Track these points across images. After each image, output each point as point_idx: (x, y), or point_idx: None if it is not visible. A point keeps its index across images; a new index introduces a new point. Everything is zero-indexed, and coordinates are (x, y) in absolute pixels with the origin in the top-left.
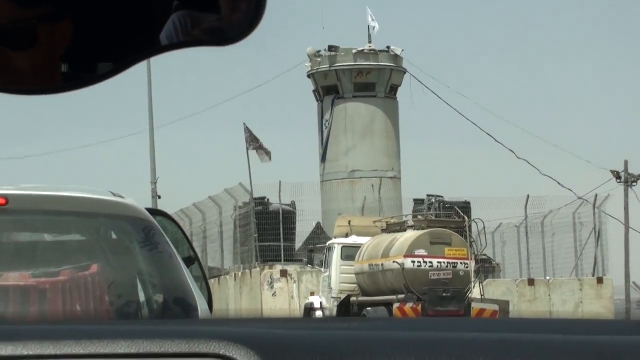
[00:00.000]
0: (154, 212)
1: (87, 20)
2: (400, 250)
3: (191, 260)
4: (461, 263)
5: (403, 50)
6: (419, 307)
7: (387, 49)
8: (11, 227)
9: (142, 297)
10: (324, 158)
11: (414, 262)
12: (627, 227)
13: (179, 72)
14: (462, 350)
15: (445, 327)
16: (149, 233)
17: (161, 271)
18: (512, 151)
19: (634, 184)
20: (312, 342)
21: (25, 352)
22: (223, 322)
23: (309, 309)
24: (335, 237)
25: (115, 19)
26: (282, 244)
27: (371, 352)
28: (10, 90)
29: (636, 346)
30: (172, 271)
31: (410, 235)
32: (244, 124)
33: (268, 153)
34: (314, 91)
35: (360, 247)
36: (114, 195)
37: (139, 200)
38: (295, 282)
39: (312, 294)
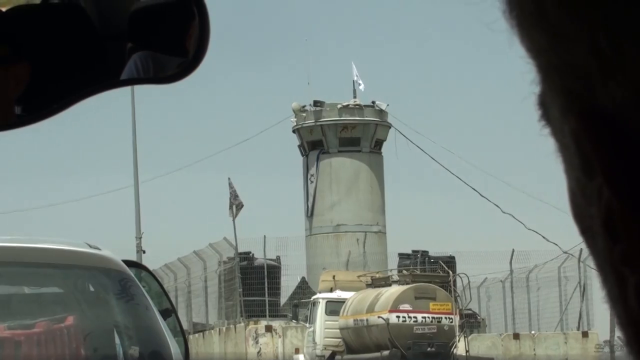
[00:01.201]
0: (131, 264)
1: (39, 61)
2: (385, 305)
3: (168, 312)
4: (446, 318)
5: (388, 105)
6: None
7: (372, 104)
8: None
9: (119, 351)
10: (309, 212)
11: (398, 316)
12: None
13: (164, 126)
14: None
15: None
16: (126, 285)
17: (137, 323)
18: (497, 205)
19: None
20: None
21: None
22: None
23: None
24: (319, 292)
25: (63, 59)
26: (266, 299)
27: None
28: None
29: None
30: (149, 323)
31: (395, 290)
32: (229, 178)
33: (239, 206)
34: (299, 146)
35: (344, 302)
36: (91, 247)
37: (124, 255)
38: (280, 337)
39: (297, 350)
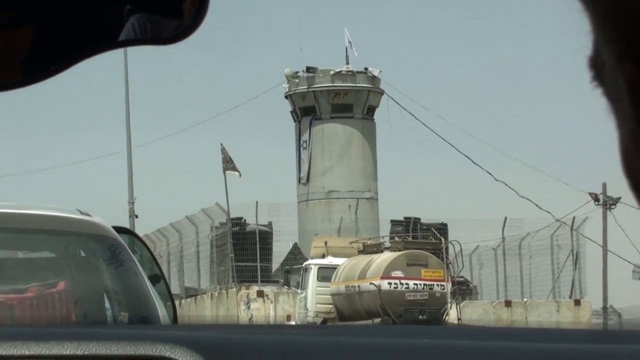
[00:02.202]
0: (121, 230)
1: (41, 23)
2: (377, 272)
3: (157, 278)
4: (437, 285)
5: (380, 72)
6: None
7: (364, 70)
8: None
9: (108, 314)
10: (301, 179)
11: (390, 283)
12: (605, 250)
13: (157, 92)
14: (412, 356)
15: (400, 334)
16: (115, 251)
17: (127, 289)
18: (490, 173)
19: (612, 206)
20: (260, 346)
21: None
22: (175, 327)
23: None
24: (311, 258)
25: (63, 22)
26: (258, 265)
27: (317, 355)
28: None
29: (583, 354)
30: (138, 289)
31: (386, 256)
32: (221, 144)
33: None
34: (292, 112)
35: (336, 268)
36: (82, 213)
37: (116, 220)
38: (271, 303)
39: (288, 317)
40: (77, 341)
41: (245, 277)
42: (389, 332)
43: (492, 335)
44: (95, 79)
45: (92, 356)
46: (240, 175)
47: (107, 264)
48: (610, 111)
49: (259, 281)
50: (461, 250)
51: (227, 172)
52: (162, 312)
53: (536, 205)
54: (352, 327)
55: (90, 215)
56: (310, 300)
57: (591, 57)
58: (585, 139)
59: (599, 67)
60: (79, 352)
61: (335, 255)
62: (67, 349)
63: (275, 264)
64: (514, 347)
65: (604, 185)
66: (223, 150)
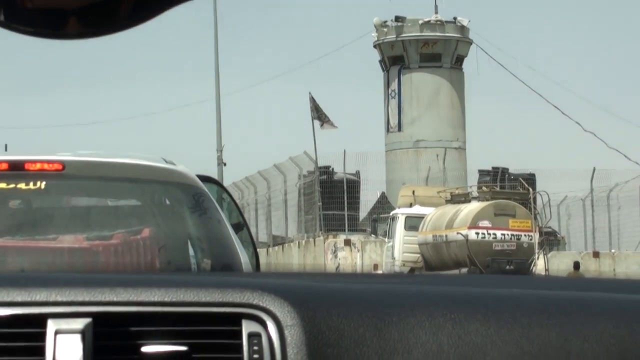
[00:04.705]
0: (205, 179)
1: None
2: (464, 222)
3: (240, 226)
4: (525, 235)
5: (469, 21)
6: None
7: (453, 20)
8: (67, 191)
9: (192, 261)
10: (390, 128)
11: (477, 233)
12: None
13: (246, 41)
14: (499, 305)
15: (487, 283)
16: (199, 199)
17: (210, 236)
18: (579, 123)
19: None
20: (347, 295)
21: (59, 298)
22: (262, 275)
23: None
24: (399, 207)
25: None
26: (345, 213)
27: (405, 304)
28: (50, 35)
29: None
30: (221, 236)
31: (474, 206)
32: (309, 93)
33: (329, 122)
34: (380, 61)
35: (423, 218)
36: (166, 162)
37: (205, 167)
38: (358, 252)
39: (375, 266)
40: (165, 288)
41: (332, 226)
42: (477, 281)
43: (579, 286)
44: (185, 28)
45: (180, 302)
46: (332, 125)
47: (191, 212)
48: None
49: (346, 230)
50: (549, 200)
51: (324, 125)
52: (244, 259)
53: (625, 156)
54: (439, 276)
55: (174, 164)
56: (398, 250)
57: None
58: None
59: None
60: (166, 299)
61: (422, 204)
62: (155, 295)
63: (363, 213)
64: (603, 297)
65: None
66: (311, 99)
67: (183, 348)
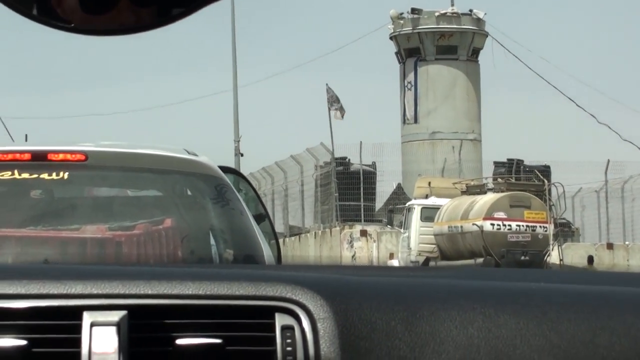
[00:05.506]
0: (227, 170)
1: None
2: (480, 213)
3: (261, 217)
4: (540, 226)
5: (485, 14)
6: None
7: (469, 12)
8: (90, 182)
9: (213, 252)
10: (406, 119)
11: (492, 224)
12: None
13: (263, 33)
14: (529, 299)
15: (513, 277)
16: (221, 190)
17: (232, 227)
18: (593, 116)
19: None
20: (378, 288)
21: (94, 291)
22: (291, 268)
23: None
24: (414, 198)
25: None
26: (362, 204)
27: (435, 298)
28: (93, 32)
29: None
30: (243, 227)
31: (489, 197)
32: (326, 84)
33: (342, 110)
34: (396, 53)
35: (439, 209)
36: (189, 153)
37: (221, 157)
38: (374, 242)
39: (391, 256)
40: (199, 281)
41: (348, 216)
42: (504, 275)
43: (605, 280)
44: (203, 20)
45: (214, 296)
46: (344, 112)
47: (213, 203)
48: None
49: (362, 220)
50: (564, 192)
51: (338, 114)
52: (266, 250)
53: (639, 148)
54: (468, 270)
55: (197, 155)
56: (414, 240)
57: None
58: None
59: None
60: (201, 292)
61: (438, 195)
62: (190, 288)
63: (379, 204)
64: (629, 292)
65: None
66: (328, 90)
67: (217, 340)
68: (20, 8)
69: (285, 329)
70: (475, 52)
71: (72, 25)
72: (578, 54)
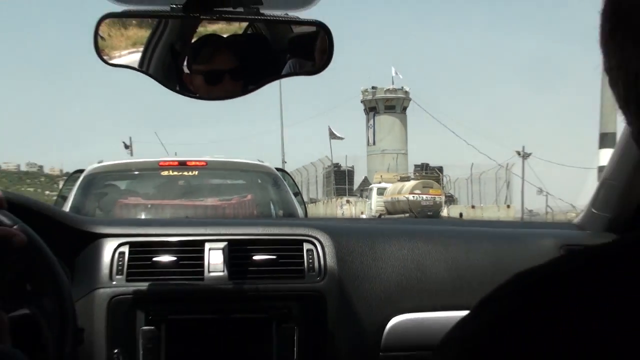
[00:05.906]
0: (279, 169)
1: (243, 62)
2: (407, 190)
3: (297, 194)
4: (437, 197)
5: (409, 88)
6: None
7: (401, 88)
8: (208, 176)
9: (272, 212)
10: (369, 143)
11: (414, 197)
12: (522, 180)
13: (298, 92)
14: (432, 234)
15: (425, 223)
16: (276, 180)
17: (282, 199)
18: (472, 145)
19: (526, 157)
20: (357, 230)
21: (210, 232)
22: (311, 220)
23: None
24: (373, 184)
25: (260, 63)
26: (346, 187)
27: (385, 234)
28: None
29: (520, 234)
30: (287, 199)
31: (412, 183)
32: (329, 127)
33: (338, 138)
34: (364, 109)
35: (386, 189)
36: (260, 161)
37: (276, 163)
38: (354, 206)
39: (362, 212)
40: (262, 226)
41: (340, 193)
42: (420, 222)
43: (474, 224)
44: (263, 94)
45: (271, 234)
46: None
47: (272, 187)
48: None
49: (347, 195)
50: (450, 180)
51: (337, 138)
52: (300, 211)
53: (489, 157)
54: (401, 220)
55: (263, 162)
56: (373, 205)
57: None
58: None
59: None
60: (264, 232)
61: (386, 182)
62: (259, 229)
63: (356, 186)
64: (488, 230)
65: (523, 147)
66: (329, 129)
67: (273, 256)
68: (168, 85)
69: (308, 251)
70: (404, 108)
71: (197, 95)
72: (468, 109)
